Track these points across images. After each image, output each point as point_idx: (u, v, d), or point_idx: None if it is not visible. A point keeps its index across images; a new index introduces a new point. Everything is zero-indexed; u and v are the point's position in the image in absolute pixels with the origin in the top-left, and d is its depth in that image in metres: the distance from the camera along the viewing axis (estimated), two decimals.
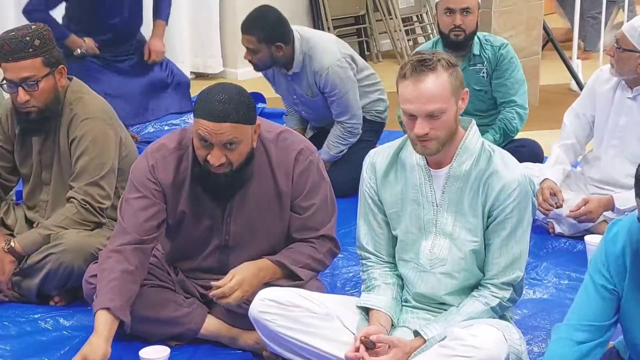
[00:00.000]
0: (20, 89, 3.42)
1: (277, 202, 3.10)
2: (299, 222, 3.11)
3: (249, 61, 4.56)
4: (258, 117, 3.01)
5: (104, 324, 2.90)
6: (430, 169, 2.82)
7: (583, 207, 3.89)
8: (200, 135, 2.90)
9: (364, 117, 4.76)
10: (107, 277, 2.97)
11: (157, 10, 5.37)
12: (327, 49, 4.60)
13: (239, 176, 2.98)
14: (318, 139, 4.74)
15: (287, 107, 5.06)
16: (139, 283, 3.04)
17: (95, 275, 3.08)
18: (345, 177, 4.47)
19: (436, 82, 2.66)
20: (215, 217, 3.11)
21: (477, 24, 4.44)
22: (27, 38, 3.40)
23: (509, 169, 2.77)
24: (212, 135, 2.87)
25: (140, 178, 3.06)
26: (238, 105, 2.88)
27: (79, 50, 5.00)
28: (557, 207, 3.99)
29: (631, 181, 3.97)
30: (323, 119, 4.85)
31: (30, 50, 3.40)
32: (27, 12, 5.02)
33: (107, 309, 2.91)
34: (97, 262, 3.15)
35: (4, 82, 3.46)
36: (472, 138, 2.80)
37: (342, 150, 4.74)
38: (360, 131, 4.73)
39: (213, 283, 2.98)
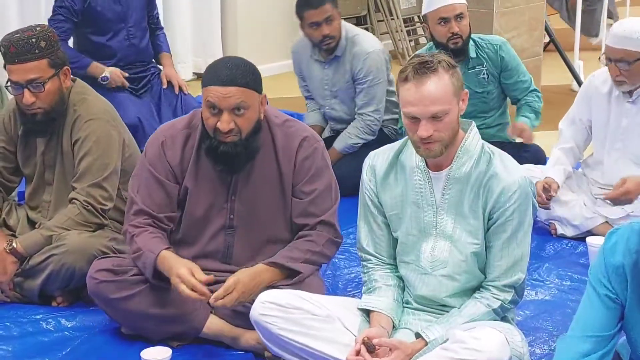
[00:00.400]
0: (26, 90, 3.42)
1: (279, 185, 3.13)
2: (301, 206, 3.13)
3: (326, 37, 4.65)
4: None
5: (170, 253, 3.01)
6: (430, 171, 2.82)
7: (621, 188, 3.83)
8: (209, 103, 2.96)
9: (381, 129, 4.82)
10: (149, 236, 3.07)
11: (157, 46, 5.40)
12: (371, 40, 4.83)
13: (248, 145, 3.03)
14: (334, 141, 4.82)
15: (309, 105, 5.11)
16: None
17: (101, 270, 3.11)
18: (349, 176, 4.50)
19: (438, 84, 2.66)
20: (220, 195, 3.14)
21: (470, 26, 4.44)
22: (33, 40, 3.40)
23: (509, 172, 2.77)
24: (221, 100, 2.94)
25: (152, 157, 3.14)
26: (245, 71, 2.97)
27: (103, 75, 5.00)
28: (548, 199, 4.00)
29: None
30: (347, 118, 4.87)
31: (37, 51, 3.41)
32: None
33: (167, 248, 3.03)
34: (100, 259, 3.20)
35: (9, 84, 3.46)
36: (472, 140, 2.80)
37: (357, 144, 4.76)
38: (377, 132, 4.78)
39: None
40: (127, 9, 5.12)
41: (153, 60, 5.37)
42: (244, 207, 3.14)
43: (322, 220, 3.12)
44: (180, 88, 5.23)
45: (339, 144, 4.78)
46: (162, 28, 5.47)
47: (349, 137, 4.78)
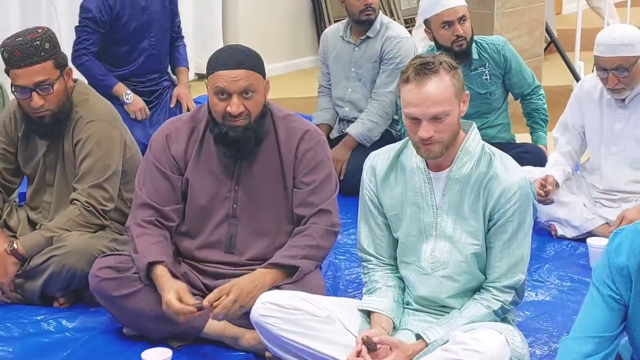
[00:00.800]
0: (34, 94, 3.41)
1: (281, 176, 3.17)
2: (301, 196, 3.16)
3: (368, 6, 4.78)
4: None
5: (164, 271, 3.04)
6: (430, 172, 2.83)
7: (623, 223, 3.74)
8: (218, 89, 3.01)
9: (387, 130, 4.85)
10: (149, 240, 3.10)
11: (176, 59, 5.35)
12: (404, 29, 5.01)
13: (257, 129, 3.08)
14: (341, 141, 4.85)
15: (320, 101, 5.13)
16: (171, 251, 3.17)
17: (103, 268, 3.13)
18: (349, 176, 4.53)
19: (439, 85, 2.67)
20: (224, 185, 3.17)
21: (472, 28, 4.45)
22: (37, 42, 3.39)
23: (509, 173, 2.77)
24: (230, 84, 2.99)
25: (157, 150, 3.19)
26: (250, 55, 3.04)
27: (124, 95, 4.97)
28: (546, 193, 4.00)
29: (632, 188, 4.01)
30: (363, 104, 4.89)
31: (42, 54, 3.39)
32: (76, 59, 4.96)
33: (162, 262, 3.05)
34: (103, 257, 3.22)
35: (17, 89, 3.42)
36: (473, 141, 2.81)
37: (371, 132, 4.77)
38: (391, 116, 4.79)
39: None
40: (152, 18, 5.08)
41: (168, 71, 5.32)
42: (247, 197, 3.17)
43: (320, 209, 3.14)
44: (188, 110, 5.18)
45: (354, 130, 4.79)
46: (182, 37, 5.41)
47: (362, 123, 4.79)
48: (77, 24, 5.00)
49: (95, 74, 4.92)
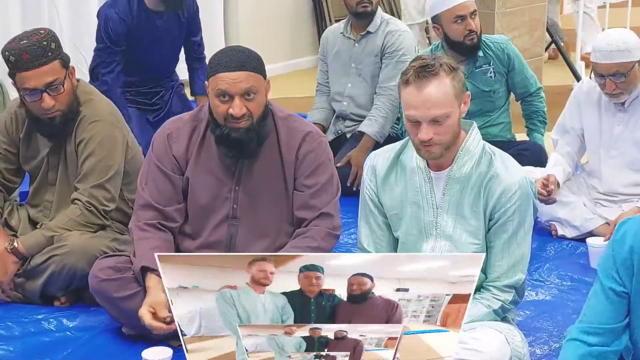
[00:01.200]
0: (45, 95, 3.40)
1: (282, 176, 3.16)
2: (302, 199, 3.15)
3: (368, 1, 4.79)
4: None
5: (155, 282, 3.02)
6: (431, 171, 2.83)
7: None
8: (220, 91, 3.00)
9: None
10: (149, 244, 3.09)
11: (197, 85, 5.27)
12: (405, 25, 5.04)
13: (259, 130, 3.08)
14: (338, 143, 4.86)
15: (317, 101, 5.14)
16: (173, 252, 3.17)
17: (104, 269, 3.14)
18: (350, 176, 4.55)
19: (439, 87, 2.67)
20: (224, 185, 3.17)
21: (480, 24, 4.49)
22: (44, 43, 3.38)
23: (510, 172, 2.78)
24: (232, 86, 2.98)
25: (158, 150, 3.19)
26: (250, 56, 3.05)
27: None
28: (548, 193, 4.00)
29: (632, 190, 4.00)
30: (364, 101, 4.90)
31: (49, 54, 3.39)
32: (100, 82, 4.91)
33: (155, 270, 3.01)
34: (103, 258, 3.23)
35: (26, 92, 3.41)
36: (473, 141, 2.81)
37: (384, 127, 4.76)
38: (398, 108, 4.78)
39: None
40: (166, 37, 5.05)
41: (174, 70, 5.29)
42: (248, 198, 3.17)
43: (321, 212, 3.14)
44: None
45: (369, 129, 4.77)
46: (204, 58, 5.26)
47: (375, 120, 4.78)
48: (96, 43, 4.96)
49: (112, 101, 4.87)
